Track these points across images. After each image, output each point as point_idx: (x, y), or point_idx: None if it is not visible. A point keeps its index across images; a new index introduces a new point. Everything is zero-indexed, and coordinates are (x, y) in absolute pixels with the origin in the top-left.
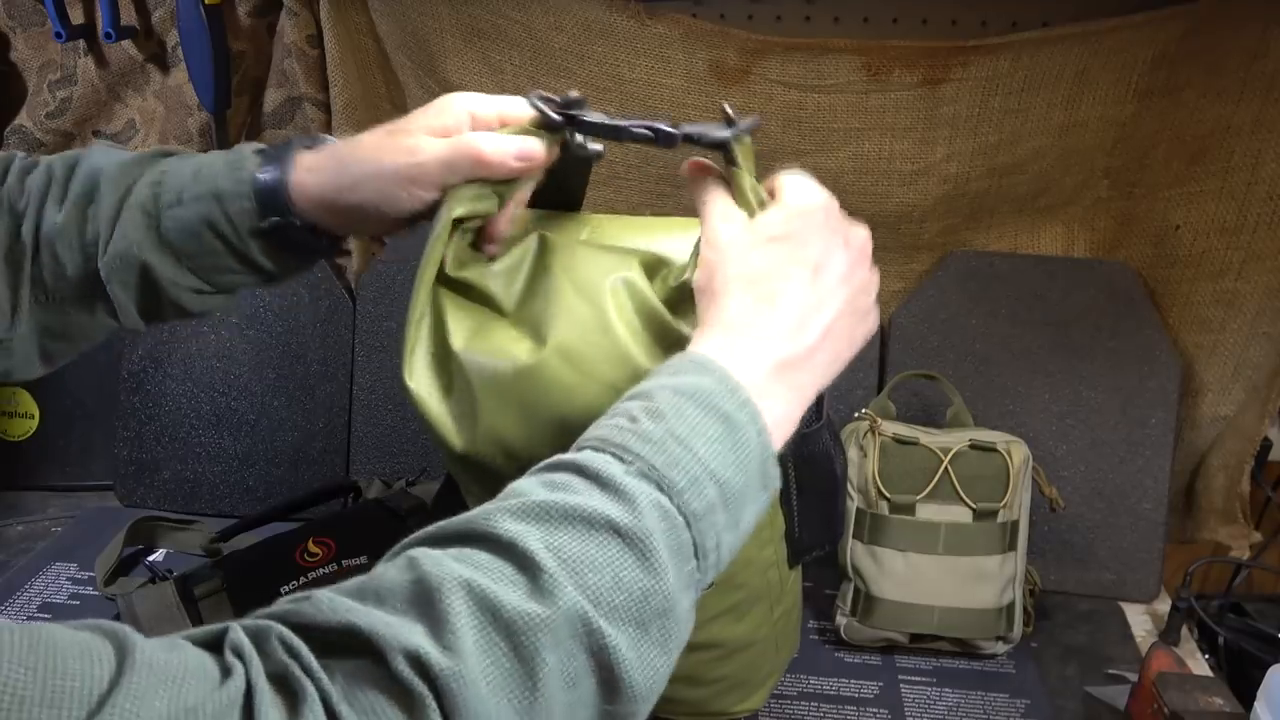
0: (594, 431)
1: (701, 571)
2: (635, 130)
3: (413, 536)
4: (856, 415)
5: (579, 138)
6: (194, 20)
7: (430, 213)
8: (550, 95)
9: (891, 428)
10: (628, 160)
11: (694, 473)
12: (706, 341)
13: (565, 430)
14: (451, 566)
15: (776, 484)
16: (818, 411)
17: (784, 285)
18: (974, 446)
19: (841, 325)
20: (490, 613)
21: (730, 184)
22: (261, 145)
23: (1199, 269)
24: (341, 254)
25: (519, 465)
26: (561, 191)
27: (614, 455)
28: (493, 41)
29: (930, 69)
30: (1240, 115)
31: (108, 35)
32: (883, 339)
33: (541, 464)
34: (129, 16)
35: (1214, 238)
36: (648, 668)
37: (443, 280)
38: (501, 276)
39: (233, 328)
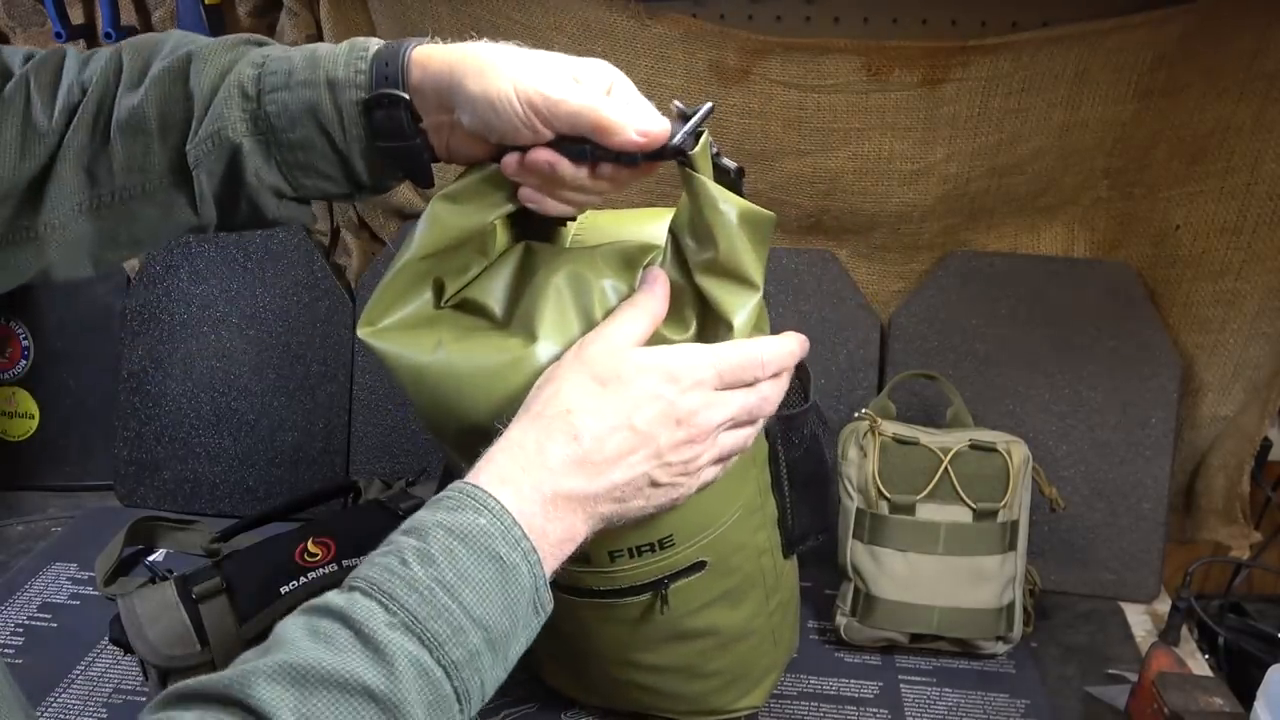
0: (366, 570)
1: (465, 714)
2: (598, 152)
3: (173, 690)
4: (856, 415)
5: (725, 160)
6: (194, 20)
7: (521, 148)
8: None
9: (891, 428)
10: None
11: (458, 622)
12: (496, 465)
13: None
14: None
15: (549, 608)
16: (804, 394)
17: (587, 429)
18: (974, 446)
19: (631, 487)
20: None
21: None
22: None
23: (1199, 269)
24: (343, 254)
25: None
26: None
27: (379, 603)
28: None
29: (930, 69)
30: (1240, 115)
31: (108, 35)
32: (883, 339)
33: (310, 604)
34: (129, 16)
35: (1214, 238)
36: None
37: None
38: (489, 287)
39: (233, 328)
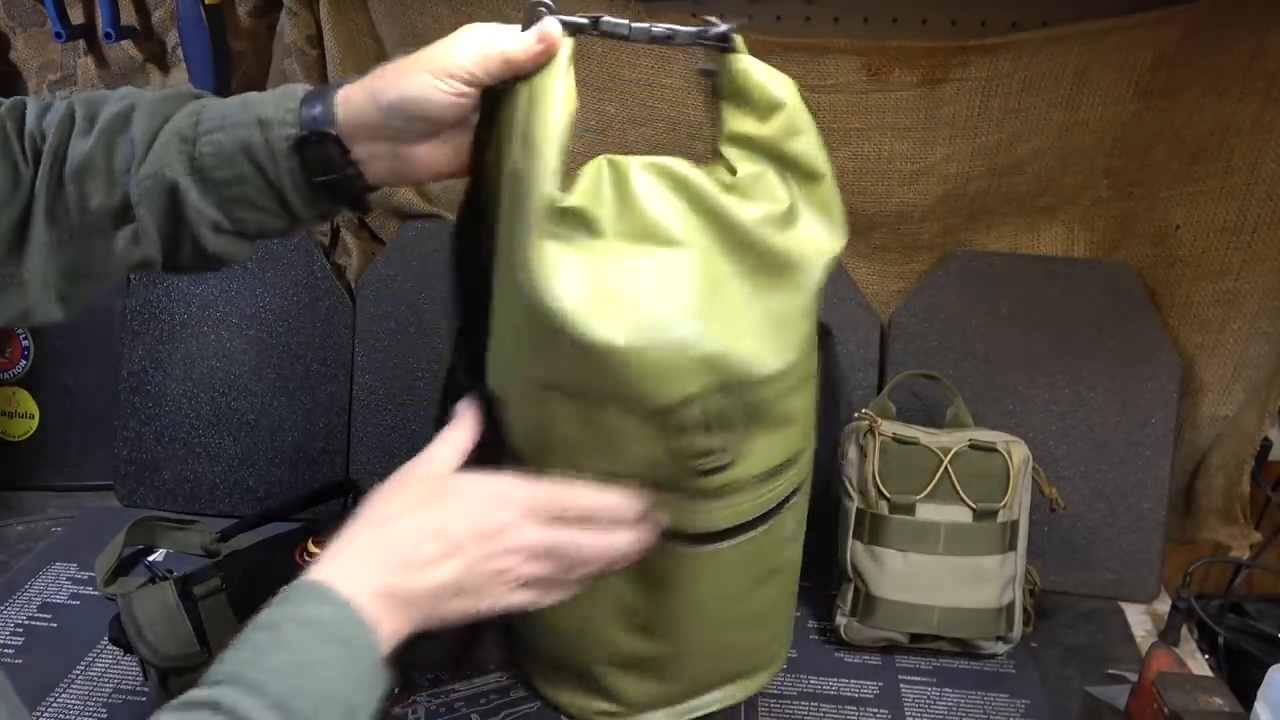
0: (224, 666)
1: None
2: (654, 31)
3: None
4: (856, 415)
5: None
6: (194, 20)
7: (463, 121)
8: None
9: (891, 428)
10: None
11: (317, 699)
12: (330, 564)
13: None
14: None
15: (388, 683)
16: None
17: (405, 534)
18: (974, 446)
19: (442, 590)
20: None
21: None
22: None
23: (1199, 269)
24: (343, 254)
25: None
26: None
27: (243, 689)
28: None
29: (930, 69)
30: (1240, 115)
31: (108, 35)
32: (883, 339)
33: (176, 703)
34: (129, 16)
35: (1214, 238)
36: None
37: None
38: (590, 197)
39: (233, 328)
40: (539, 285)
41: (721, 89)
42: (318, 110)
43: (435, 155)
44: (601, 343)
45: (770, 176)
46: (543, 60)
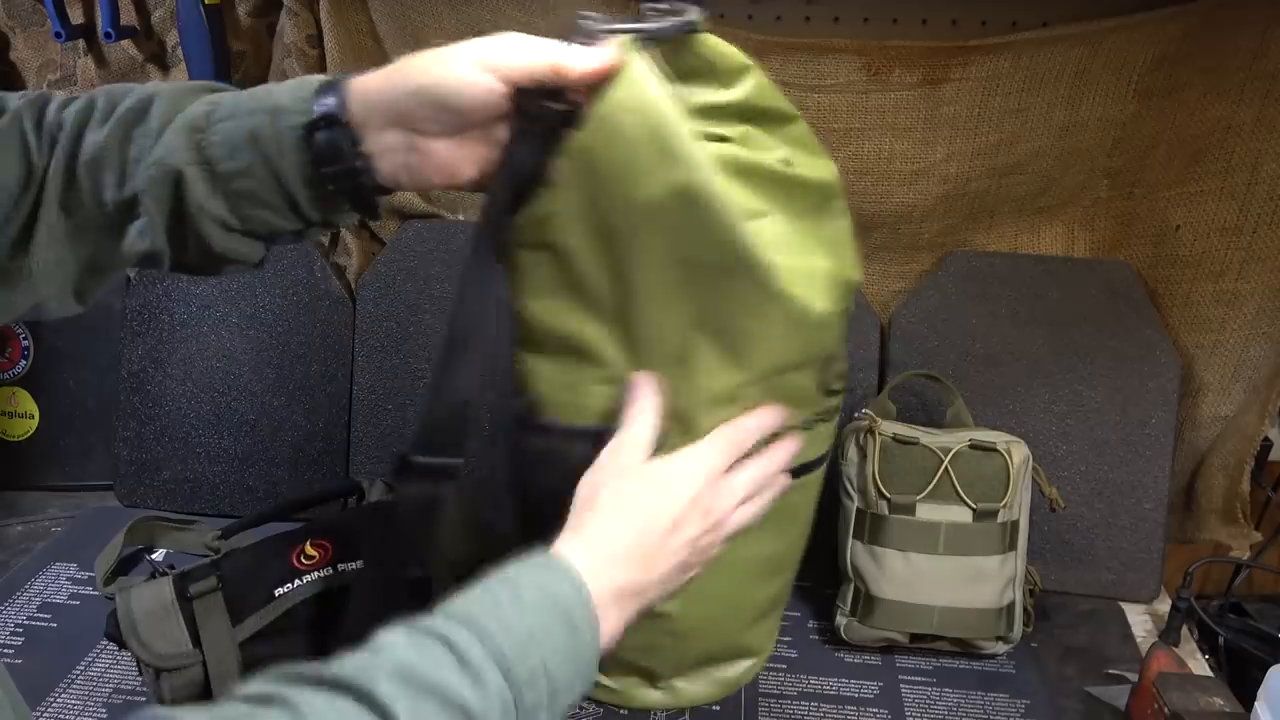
0: (466, 605)
1: None
2: (677, 25)
3: (280, 671)
4: (856, 415)
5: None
6: (194, 20)
7: (488, 127)
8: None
9: (891, 428)
10: None
11: (535, 669)
12: (572, 548)
13: None
14: (321, 709)
15: (595, 682)
16: None
17: (643, 528)
18: (974, 446)
19: (670, 575)
20: None
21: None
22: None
23: (1199, 269)
24: (343, 254)
25: None
26: None
27: (475, 635)
28: None
29: (930, 69)
30: (1240, 115)
31: (107, 35)
32: (883, 339)
33: (412, 625)
34: (129, 16)
35: (1214, 238)
36: None
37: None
38: None
39: (233, 328)
40: (788, 293)
41: (671, 72)
42: (331, 98)
43: (452, 156)
44: (820, 313)
45: (754, 132)
46: (595, 82)
